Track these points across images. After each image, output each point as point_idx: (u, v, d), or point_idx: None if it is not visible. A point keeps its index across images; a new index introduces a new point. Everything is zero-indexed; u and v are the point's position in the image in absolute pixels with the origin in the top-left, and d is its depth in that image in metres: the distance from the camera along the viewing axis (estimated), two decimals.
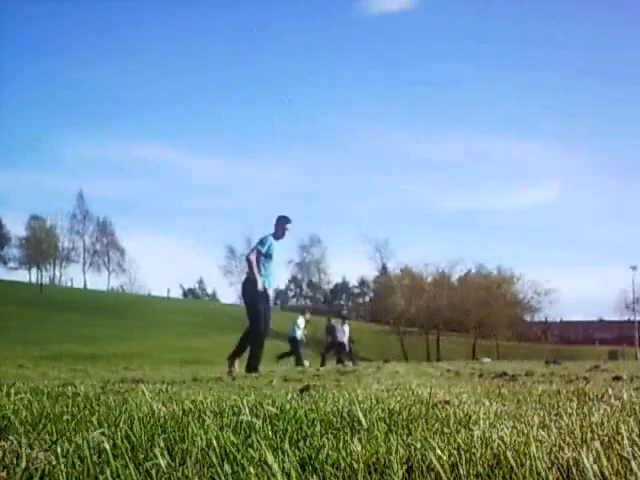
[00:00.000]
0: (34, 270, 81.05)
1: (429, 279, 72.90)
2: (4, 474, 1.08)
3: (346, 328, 21.10)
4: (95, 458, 1.16)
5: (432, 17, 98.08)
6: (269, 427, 1.58)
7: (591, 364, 11.20)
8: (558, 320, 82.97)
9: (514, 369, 9.74)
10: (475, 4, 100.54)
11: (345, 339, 20.72)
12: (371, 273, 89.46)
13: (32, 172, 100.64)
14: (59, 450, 1.18)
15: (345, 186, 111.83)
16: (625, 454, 1.15)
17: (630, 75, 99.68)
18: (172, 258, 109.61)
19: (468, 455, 1.17)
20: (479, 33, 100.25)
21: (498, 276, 72.60)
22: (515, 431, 1.47)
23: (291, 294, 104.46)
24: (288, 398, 2.56)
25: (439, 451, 1.18)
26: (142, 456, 1.20)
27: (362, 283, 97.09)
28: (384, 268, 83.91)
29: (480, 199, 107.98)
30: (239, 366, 8.34)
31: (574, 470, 1.08)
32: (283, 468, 1.09)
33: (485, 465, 1.13)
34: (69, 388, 3.22)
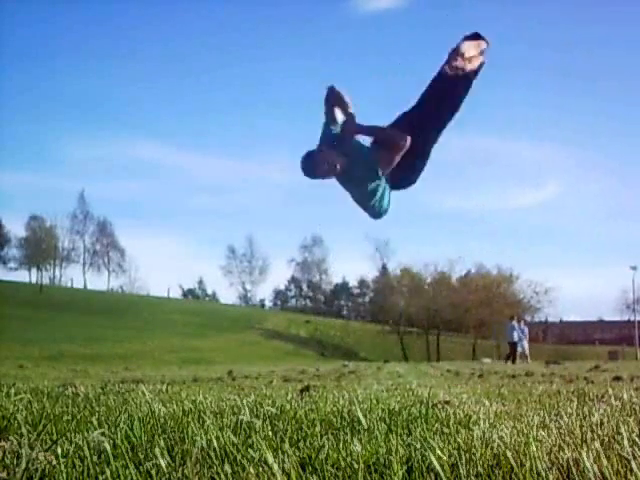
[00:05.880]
0: (34, 270, 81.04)
1: (429, 279, 72.90)
2: (4, 474, 1.08)
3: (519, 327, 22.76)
4: (95, 458, 1.16)
5: (429, 16, 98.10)
6: (269, 427, 1.58)
7: (591, 364, 11.20)
8: (558, 320, 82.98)
9: (514, 369, 9.75)
10: (471, 2, 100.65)
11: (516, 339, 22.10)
12: (371, 273, 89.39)
13: (32, 172, 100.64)
14: (59, 450, 1.18)
15: None
16: (625, 454, 1.15)
17: (629, 74, 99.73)
18: (172, 258, 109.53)
19: (468, 455, 1.17)
20: (479, 33, 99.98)
21: (498, 276, 72.57)
22: (515, 431, 1.47)
23: (291, 294, 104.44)
24: (288, 398, 2.56)
25: (439, 451, 1.18)
26: (142, 456, 1.20)
27: (362, 283, 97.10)
28: (384, 268, 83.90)
29: (480, 199, 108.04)
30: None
31: (574, 470, 1.08)
32: (283, 468, 1.09)
33: (485, 465, 1.13)
34: (69, 388, 3.21)
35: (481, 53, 4.77)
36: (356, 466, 1.10)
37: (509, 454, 1.13)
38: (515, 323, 22.63)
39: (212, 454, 1.20)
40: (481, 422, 1.66)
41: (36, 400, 2.36)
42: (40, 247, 76.55)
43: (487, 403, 2.30)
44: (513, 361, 20.73)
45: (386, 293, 71.41)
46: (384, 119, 3.92)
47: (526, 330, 22.96)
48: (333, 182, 3.87)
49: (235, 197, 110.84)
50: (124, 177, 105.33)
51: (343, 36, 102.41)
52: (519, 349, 21.99)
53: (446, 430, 1.51)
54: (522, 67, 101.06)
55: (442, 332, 70.76)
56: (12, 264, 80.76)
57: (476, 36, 4.73)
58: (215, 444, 1.26)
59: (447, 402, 2.25)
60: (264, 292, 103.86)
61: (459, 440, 1.32)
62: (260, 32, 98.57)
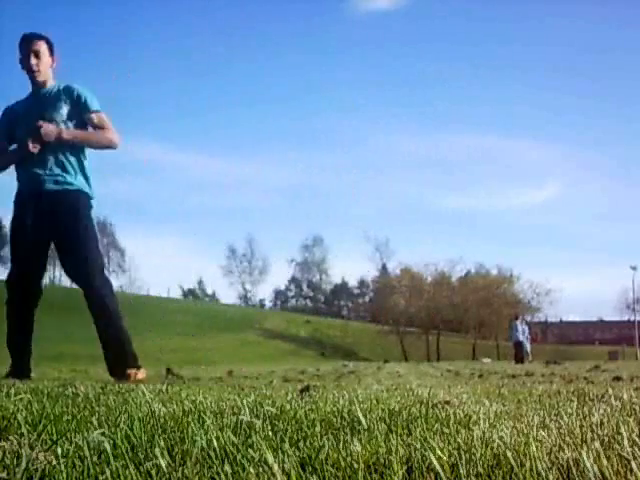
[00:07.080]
0: None
1: (429, 279, 72.89)
2: (4, 474, 1.08)
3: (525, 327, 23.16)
4: (95, 458, 1.16)
5: (430, 16, 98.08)
6: (269, 427, 1.58)
7: (591, 364, 11.20)
8: (558, 320, 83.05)
9: (514, 369, 9.75)
10: (474, 3, 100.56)
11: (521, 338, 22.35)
12: (371, 273, 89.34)
13: None
14: (59, 450, 1.18)
15: (345, 186, 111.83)
16: (625, 454, 1.15)
17: (630, 74, 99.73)
18: (172, 258, 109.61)
19: (468, 455, 1.17)
20: (479, 33, 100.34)
21: (498, 276, 72.67)
22: (515, 431, 1.47)
23: (291, 294, 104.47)
24: (288, 398, 2.56)
25: (439, 451, 1.18)
26: (142, 456, 1.20)
27: (362, 283, 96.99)
28: (384, 268, 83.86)
29: (480, 199, 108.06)
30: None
31: (574, 470, 1.08)
32: (283, 468, 1.09)
33: (485, 465, 1.13)
34: (69, 388, 3.21)
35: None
36: (356, 466, 1.10)
37: (509, 454, 1.13)
38: (519, 323, 22.90)
39: (212, 454, 1.20)
40: (481, 422, 1.66)
41: (36, 400, 2.35)
42: None
43: (487, 403, 2.30)
44: (518, 361, 20.83)
45: (386, 293, 71.35)
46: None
47: (526, 330, 23.10)
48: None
49: (235, 197, 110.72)
50: (124, 177, 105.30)
51: (344, 35, 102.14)
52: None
53: (446, 430, 1.51)
54: (523, 67, 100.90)
55: (442, 332, 70.76)
56: None
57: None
58: (215, 444, 1.26)
59: (447, 402, 2.25)
60: (264, 292, 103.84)
61: (459, 440, 1.32)
62: (259, 32, 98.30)
